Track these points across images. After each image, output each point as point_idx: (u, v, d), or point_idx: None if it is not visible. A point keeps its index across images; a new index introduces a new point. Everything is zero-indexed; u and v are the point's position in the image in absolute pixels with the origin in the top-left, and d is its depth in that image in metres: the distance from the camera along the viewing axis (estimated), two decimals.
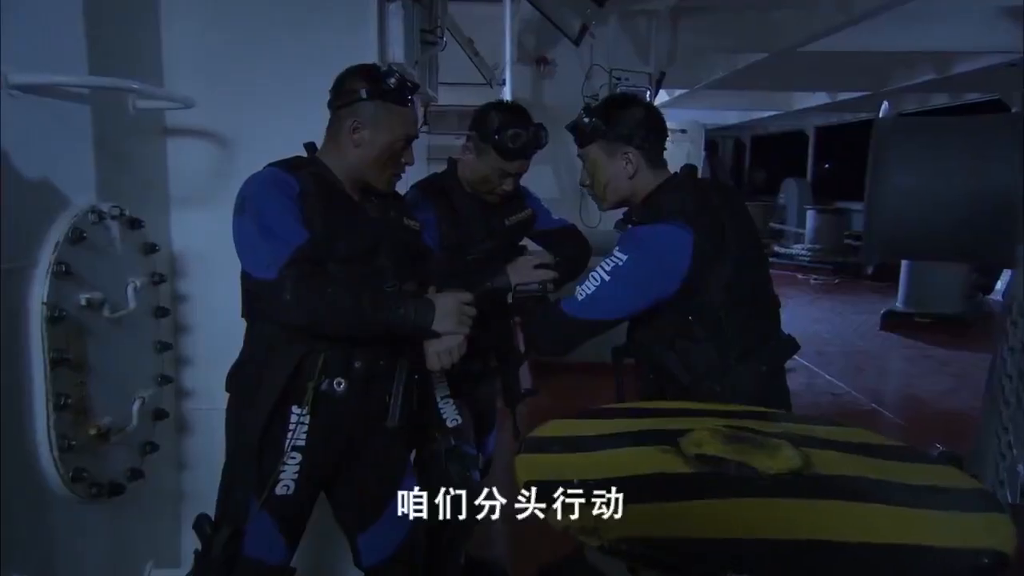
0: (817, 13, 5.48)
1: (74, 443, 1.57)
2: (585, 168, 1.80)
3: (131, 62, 1.94)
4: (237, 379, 1.63)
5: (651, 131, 1.73)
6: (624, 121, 1.71)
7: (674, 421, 1.17)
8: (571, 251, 2.16)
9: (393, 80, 1.60)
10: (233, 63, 2.13)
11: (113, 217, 1.74)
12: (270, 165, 1.59)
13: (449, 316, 1.57)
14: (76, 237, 1.59)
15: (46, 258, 1.53)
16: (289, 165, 1.59)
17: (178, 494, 2.25)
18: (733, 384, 1.61)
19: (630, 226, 1.70)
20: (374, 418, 1.67)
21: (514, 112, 2.04)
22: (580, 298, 1.64)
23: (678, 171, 1.76)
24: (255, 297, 1.55)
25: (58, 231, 1.56)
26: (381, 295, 1.56)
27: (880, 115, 2.91)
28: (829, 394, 5.23)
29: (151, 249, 1.92)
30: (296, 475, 1.56)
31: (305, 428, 1.55)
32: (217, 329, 2.20)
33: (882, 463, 1.09)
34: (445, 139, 6.01)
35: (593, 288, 1.62)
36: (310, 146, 1.69)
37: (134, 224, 1.83)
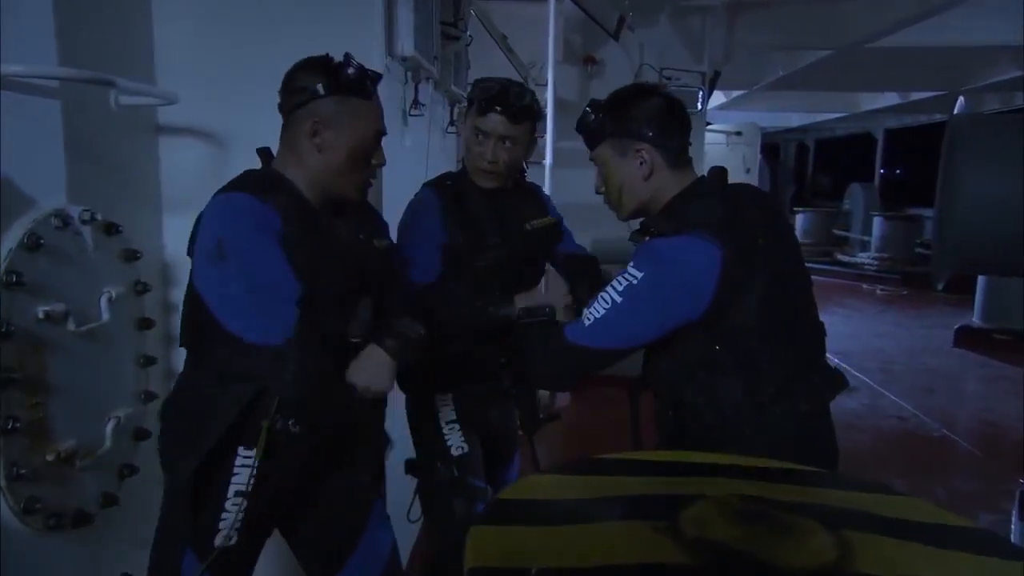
0: (888, 5, 5.09)
1: (23, 471, 1.43)
2: (598, 173, 1.57)
3: (117, 58, 1.82)
4: (175, 411, 1.45)
5: (669, 125, 1.49)
6: (635, 114, 1.48)
7: (681, 483, 0.95)
8: (583, 290, 1.83)
9: (352, 70, 1.40)
10: (230, 58, 2.00)
11: (84, 221, 1.60)
12: (240, 190, 1.37)
13: (368, 371, 1.39)
14: (32, 244, 1.45)
15: None
16: (262, 189, 1.37)
17: None
18: (767, 426, 1.36)
19: (647, 238, 1.46)
20: (334, 457, 1.49)
21: (499, 80, 1.86)
22: (587, 323, 1.41)
23: (704, 174, 1.52)
24: (206, 326, 1.36)
25: (12, 238, 1.43)
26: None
27: (955, 112, 2.59)
28: (894, 417, 4.82)
29: (132, 256, 1.78)
30: (239, 523, 1.37)
31: (252, 472, 1.36)
32: None
33: (944, 555, 0.84)
34: None
35: (603, 311, 1.39)
36: (265, 153, 1.48)
37: (110, 229, 1.69)
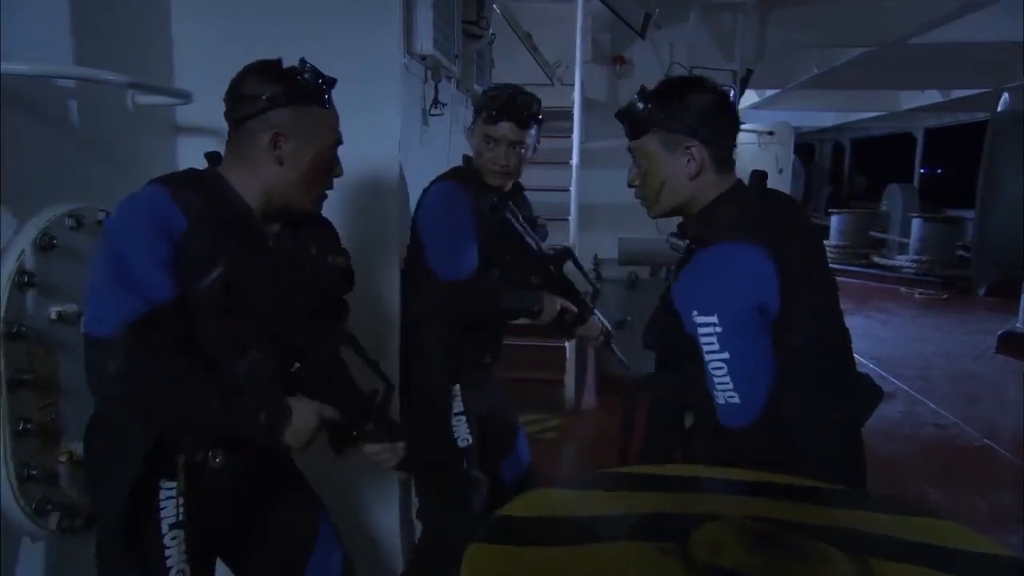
0: (928, 0, 4.93)
1: (35, 472, 1.43)
2: (635, 164, 1.47)
3: (135, 58, 1.83)
4: (92, 443, 1.37)
5: (723, 123, 1.40)
6: (689, 108, 1.38)
7: (693, 501, 0.89)
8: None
9: (307, 75, 1.33)
10: (247, 57, 1.97)
11: (98, 222, 1.60)
12: (156, 181, 1.29)
13: (303, 432, 1.30)
14: (46, 244, 1.45)
15: (8, 268, 1.39)
16: (179, 184, 1.29)
17: None
18: (815, 438, 1.30)
19: (686, 242, 1.38)
20: (274, 482, 1.46)
21: (509, 86, 1.98)
22: (733, 401, 1.26)
23: (742, 180, 1.44)
24: None
25: (24, 238, 1.43)
26: (243, 389, 1.27)
27: (997, 110, 2.47)
28: (933, 425, 4.65)
29: None
30: (184, 555, 1.29)
31: (180, 503, 1.28)
32: None
33: None
34: None
35: (730, 382, 1.25)
36: (212, 156, 1.39)
37: None
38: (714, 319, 1.25)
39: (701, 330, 1.27)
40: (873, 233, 11.59)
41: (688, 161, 1.39)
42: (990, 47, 5.72)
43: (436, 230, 1.93)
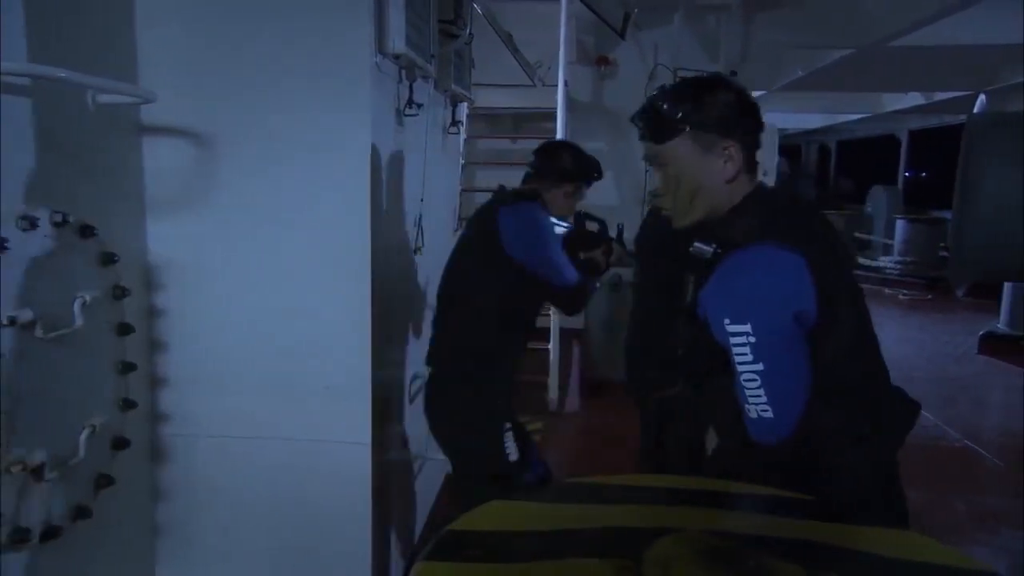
0: (911, 2, 4.92)
1: None
2: (660, 171, 1.36)
3: (97, 56, 1.78)
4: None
5: (753, 123, 1.33)
6: (723, 107, 1.30)
7: (653, 514, 0.86)
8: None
9: None
10: (215, 56, 1.95)
11: (55, 224, 1.55)
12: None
13: None
14: None
15: None
16: None
17: (152, 528, 2.06)
18: (865, 458, 1.25)
19: (714, 247, 1.28)
20: None
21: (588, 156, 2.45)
22: (770, 415, 1.17)
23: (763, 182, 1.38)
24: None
25: None
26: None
27: (974, 112, 2.46)
28: (916, 427, 4.66)
29: (109, 259, 1.72)
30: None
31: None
32: (198, 346, 2.03)
33: None
34: (501, 143, 5.82)
35: (764, 395, 1.17)
36: None
37: (85, 231, 1.64)
38: (747, 327, 1.16)
39: (733, 339, 1.18)
40: (858, 234, 11.65)
41: (726, 162, 1.30)
42: (971, 50, 5.74)
43: (540, 250, 2.23)
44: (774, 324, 1.18)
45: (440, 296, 2.34)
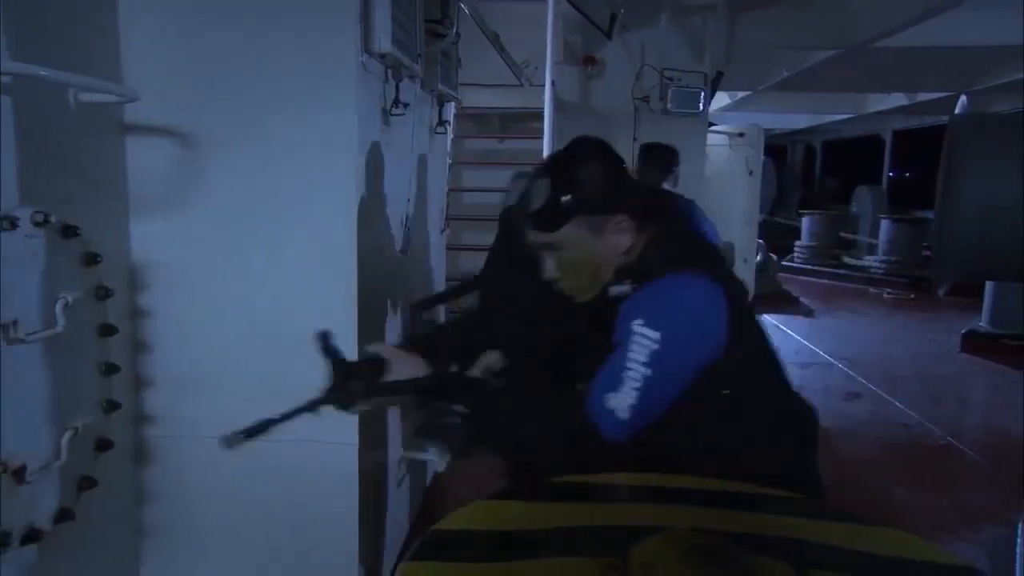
0: (896, 3, 4.98)
1: None
2: (552, 257, 1.32)
3: (79, 55, 1.76)
4: None
5: (629, 182, 1.35)
6: (603, 182, 1.28)
7: (639, 512, 0.86)
8: None
9: None
10: (199, 55, 1.93)
11: (37, 224, 1.53)
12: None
13: None
14: None
15: None
16: None
17: (137, 530, 2.05)
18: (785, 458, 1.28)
19: (629, 284, 1.28)
20: None
21: None
22: (623, 416, 1.16)
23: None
24: None
25: None
26: None
27: (956, 112, 2.49)
28: (900, 425, 4.71)
29: (92, 259, 1.71)
30: None
31: None
32: (183, 347, 2.01)
33: None
34: (488, 143, 5.82)
35: (634, 398, 1.16)
36: None
37: (68, 231, 1.62)
38: (656, 335, 1.17)
39: (635, 338, 1.18)
40: (843, 234, 11.75)
41: (620, 235, 1.29)
42: (954, 51, 5.81)
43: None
44: (682, 344, 1.19)
45: None
